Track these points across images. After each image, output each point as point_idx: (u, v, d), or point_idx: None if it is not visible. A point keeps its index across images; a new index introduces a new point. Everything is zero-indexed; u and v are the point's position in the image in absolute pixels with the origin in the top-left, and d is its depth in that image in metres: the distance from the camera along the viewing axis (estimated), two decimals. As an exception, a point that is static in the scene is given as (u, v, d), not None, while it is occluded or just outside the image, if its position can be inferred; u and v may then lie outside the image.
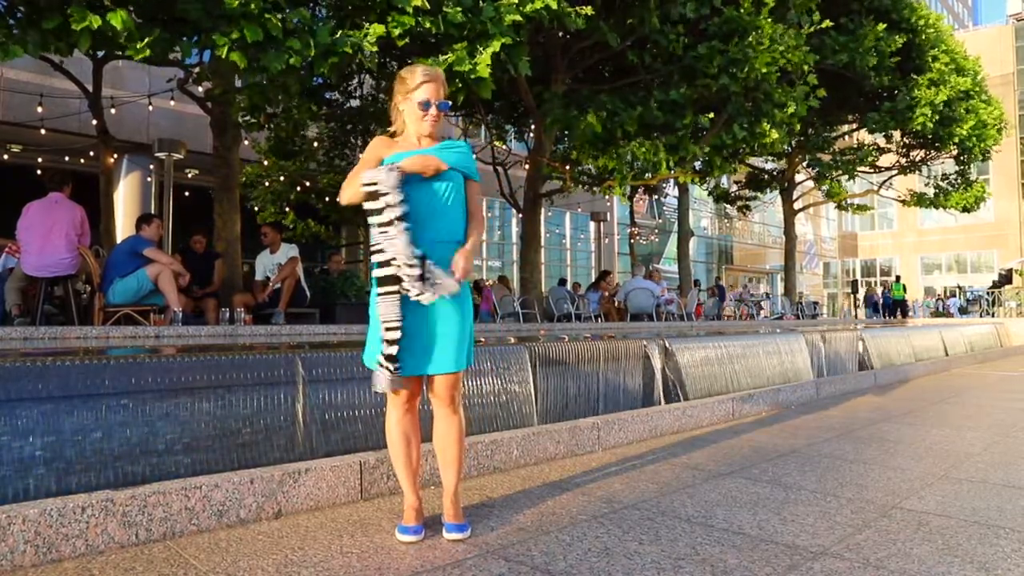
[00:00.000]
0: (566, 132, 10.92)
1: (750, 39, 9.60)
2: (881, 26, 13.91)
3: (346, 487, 2.60)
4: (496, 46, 6.77)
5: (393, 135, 2.39)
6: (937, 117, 16.13)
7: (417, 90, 2.25)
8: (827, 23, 11.25)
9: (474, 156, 2.41)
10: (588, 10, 7.68)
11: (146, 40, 5.71)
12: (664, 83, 10.73)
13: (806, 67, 10.72)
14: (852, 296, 29.82)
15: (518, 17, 6.94)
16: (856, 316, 28.42)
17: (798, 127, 11.43)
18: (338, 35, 6.28)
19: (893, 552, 2.15)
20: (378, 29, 6.27)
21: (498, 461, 3.13)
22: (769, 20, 9.82)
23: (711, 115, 10.62)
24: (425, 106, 2.25)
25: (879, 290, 31.15)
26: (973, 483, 3.02)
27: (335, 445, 2.99)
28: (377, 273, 2.13)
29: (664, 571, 1.97)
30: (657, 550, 2.14)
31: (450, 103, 2.49)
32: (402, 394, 2.26)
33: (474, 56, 6.78)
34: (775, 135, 10.53)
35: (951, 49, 17.08)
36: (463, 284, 2.25)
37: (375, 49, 6.48)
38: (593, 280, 18.02)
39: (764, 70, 9.63)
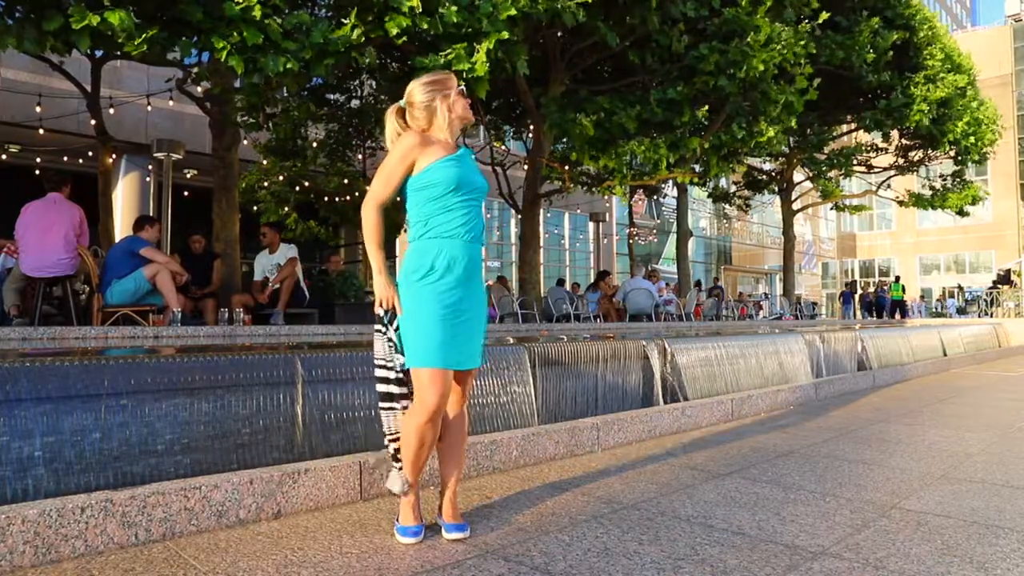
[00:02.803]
0: (564, 136, 10.94)
1: (748, 39, 9.62)
2: (875, 19, 13.92)
3: (345, 487, 2.59)
4: (491, 42, 6.76)
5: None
6: (933, 115, 16.13)
7: (451, 82, 2.36)
8: (824, 15, 11.23)
9: (473, 158, 2.48)
10: (585, 0, 7.65)
11: (143, 36, 5.69)
12: (663, 83, 10.73)
13: (803, 60, 10.70)
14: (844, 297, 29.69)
15: (514, 12, 6.92)
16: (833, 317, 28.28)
17: (794, 123, 11.41)
18: (332, 34, 6.28)
19: (892, 552, 2.15)
20: (366, 17, 6.29)
21: (498, 461, 3.13)
22: (766, 19, 9.83)
23: (707, 108, 10.61)
24: (464, 93, 2.37)
25: (871, 288, 30.98)
26: (972, 483, 3.02)
27: (334, 446, 2.99)
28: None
29: (664, 571, 1.97)
30: (657, 550, 2.14)
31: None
32: (440, 398, 2.16)
33: (472, 55, 6.77)
34: (771, 132, 10.53)
35: (946, 46, 17.10)
36: (480, 284, 2.32)
37: (362, 41, 6.46)
38: (592, 280, 18.04)
39: (761, 68, 9.63)
